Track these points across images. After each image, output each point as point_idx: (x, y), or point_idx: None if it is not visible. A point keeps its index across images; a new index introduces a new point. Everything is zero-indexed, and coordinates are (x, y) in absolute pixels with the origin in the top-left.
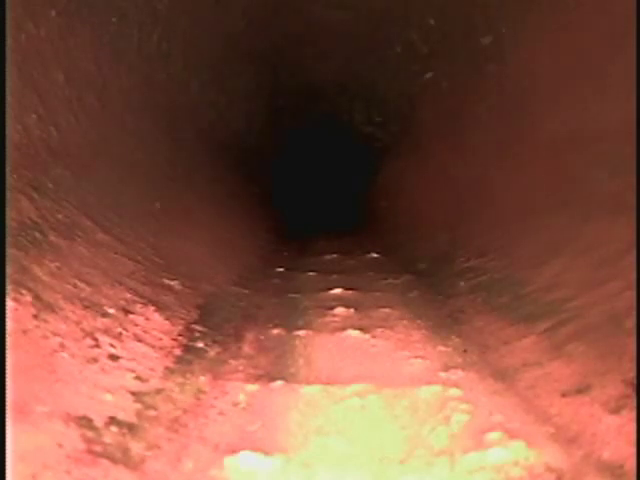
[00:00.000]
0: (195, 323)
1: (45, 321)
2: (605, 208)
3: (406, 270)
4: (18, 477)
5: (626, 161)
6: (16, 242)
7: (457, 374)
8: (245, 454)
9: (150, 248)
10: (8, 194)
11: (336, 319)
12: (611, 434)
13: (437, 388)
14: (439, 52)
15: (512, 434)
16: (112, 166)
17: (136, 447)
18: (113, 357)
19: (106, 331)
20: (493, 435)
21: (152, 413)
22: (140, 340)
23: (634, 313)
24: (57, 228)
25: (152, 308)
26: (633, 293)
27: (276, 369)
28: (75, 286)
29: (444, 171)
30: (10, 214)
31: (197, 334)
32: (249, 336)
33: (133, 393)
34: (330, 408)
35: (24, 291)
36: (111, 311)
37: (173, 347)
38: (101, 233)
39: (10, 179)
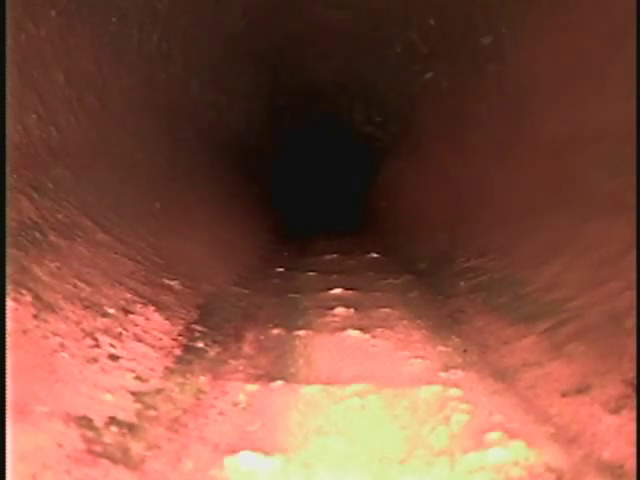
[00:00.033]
0: (195, 323)
1: (45, 321)
2: (605, 208)
3: (406, 270)
4: (18, 477)
5: (626, 161)
6: (16, 242)
7: (457, 374)
8: (245, 454)
9: (150, 248)
10: (8, 194)
11: (336, 319)
12: (611, 434)
13: (437, 388)
14: (439, 52)
15: (512, 434)
16: (112, 166)
17: (136, 447)
18: (113, 357)
19: (106, 331)
20: (493, 435)
21: (152, 413)
22: (140, 340)
23: (634, 313)
24: (57, 228)
25: (152, 308)
26: (633, 293)
27: (276, 369)
28: (75, 286)
29: (444, 171)
30: (10, 214)
31: (197, 334)
32: (249, 336)
33: (133, 393)
34: (330, 408)
35: (24, 291)
36: (111, 311)
37: (173, 347)
38: (101, 233)
39: (10, 179)
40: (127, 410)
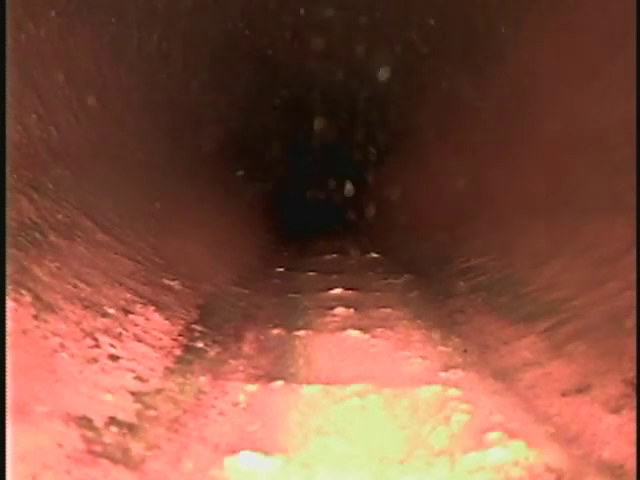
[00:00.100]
0: (195, 323)
1: (45, 321)
2: (605, 208)
3: (406, 270)
4: (18, 477)
5: (626, 161)
6: (16, 242)
7: (457, 374)
8: (245, 454)
9: (150, 248)
10: (8, 194)
11: (336, 319)
12: (611, 434)
13: (437, 388)
14: (439, 52)
15: (512, 434)
16: (112, 166)
17: (136, 447)
18: (113, 357)
19: (106, 331)
20: (493, 435)
21: (152, 413)
22: (140, 340)
23: (634, 313)
24: (57, 228)
25: (152, 308)
26: (633, 293)
27: (276, 369)
28: (75, 286)
29: (444, 171)
30: (10, 214)
31: (197, 334)
32: (249, 336)
33: (133, 393)
34: (330, 408)
35: (24, 291)
36: (111, 311)
37: (173, 347)
38: (101, 233)
39: (10, 179)
40: (127, 410)
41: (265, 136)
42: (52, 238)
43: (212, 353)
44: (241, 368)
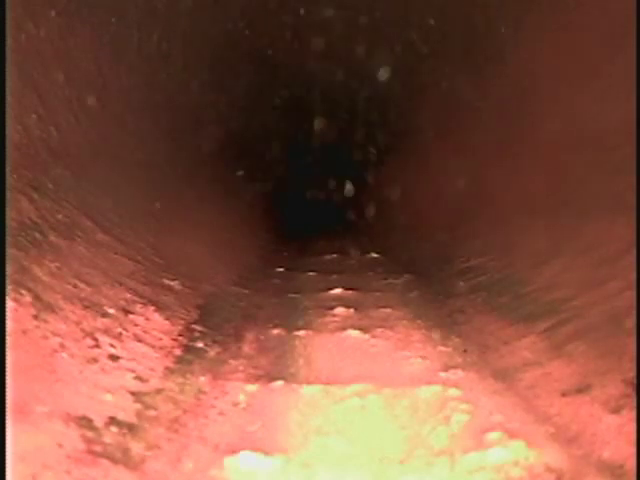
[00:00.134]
0: (195, 323)
1: (45, 321)
2: (605, 208)
3: (406, 270)
4: (18, 477)
5: (626, 161)
6: (16, 242)
7: (457, 374)
8: (245, 454)
9: (150, 248)
10: (8, 194)
11: (336, 319)
12: (611, 434)
13: (437, 388)
14: (439, 52)
15: (512, 434)
16: (112, 166)
17: (136, 447)
18: (113, 357)
19: (106, 331)
20: (493, 435)
21: (152, 413)
22: (140, 340)
23: (634, 313)
24: (57, 228)
25: (152, 308)
26: (633, 293)
27: (276, 369)
28: (75, 286)
29: (444, 171)
30: (10, 214)
31: (197, 334)
32: (249, 336)
33: (133, 393)
34: (330, 408)
35: (24, 291)
36: (111, 311)
37: (173, 347)
38: (101, 233)
39: (10, 179)
40: (127, 410)
41: (265, 136)
42: (52, 238)
43: (212, 353)
44: (241, 368)
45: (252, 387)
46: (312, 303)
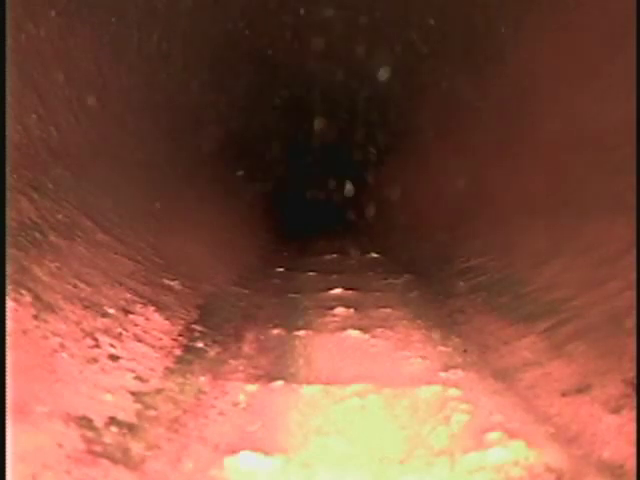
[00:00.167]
0: (195, 323)
1: (45, 321)
2: (605, 208)
3: (406, 270)
4: (18, 477)
5: (626, 161)
6: (16, 242)
7: (457, 374)
8: (245, 454)
9: (150, 248)
10: (8, 194)
11: (336, 319)
12: (611, 434)
13: (437, 388)
14: (439, 52)
15: (512, 434)
16: (112, 166)
17: (136, 447)
18: (113, 357)
19: (106, 331)
20: (493, 435)
21: (152, 413)
22: (140, 340)
23: (634, 313)
24: (57, 228)
25: (152, 308)
26: (633, 293)
27: (276, 369)
28: (75, 286)
29: (444, 171)
30: (10, 214)
31: (197, 334)
32: (249, 336)
33: (133, 393)
34: (330, 408)
35: (24, 291)
36: (111, 311)
37: (173, 347)
38: (101, 233)
39: (10, 179)
40: (127, 410)
41: (265, 136)
42: (52, 238)
43: (212, 353)
44: (241, 368)
45: (252, 387)
46: (312, 303)
